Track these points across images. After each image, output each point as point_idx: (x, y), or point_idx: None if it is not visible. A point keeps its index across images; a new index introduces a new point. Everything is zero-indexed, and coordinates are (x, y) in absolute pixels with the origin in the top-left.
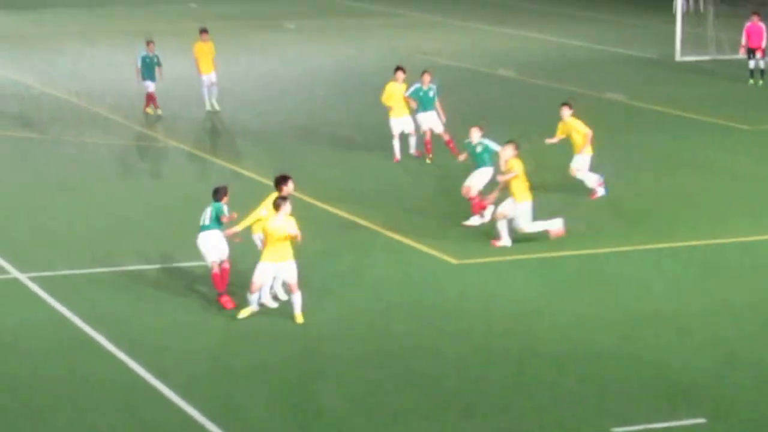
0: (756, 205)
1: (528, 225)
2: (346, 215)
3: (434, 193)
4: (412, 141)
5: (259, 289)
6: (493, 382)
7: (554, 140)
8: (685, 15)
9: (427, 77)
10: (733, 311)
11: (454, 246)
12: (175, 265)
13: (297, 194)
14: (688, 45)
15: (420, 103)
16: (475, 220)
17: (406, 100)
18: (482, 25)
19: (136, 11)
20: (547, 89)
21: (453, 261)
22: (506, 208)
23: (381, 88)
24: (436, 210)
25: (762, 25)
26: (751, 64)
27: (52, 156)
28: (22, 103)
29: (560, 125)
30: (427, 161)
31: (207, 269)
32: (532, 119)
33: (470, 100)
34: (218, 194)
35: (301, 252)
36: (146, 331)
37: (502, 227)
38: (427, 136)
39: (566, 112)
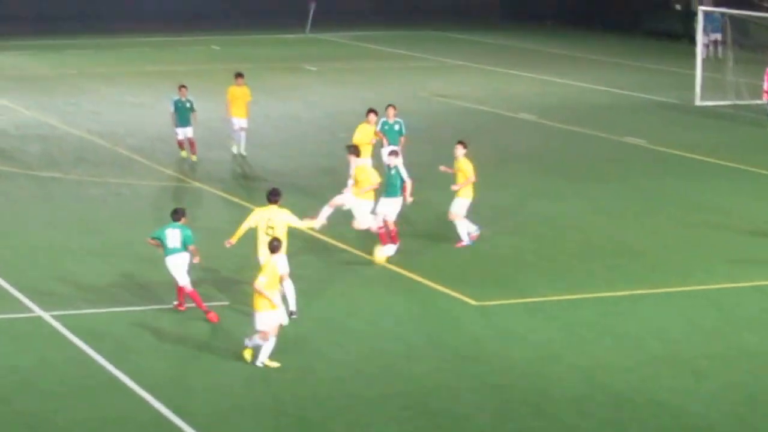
0: None
1: (362, 222)
2: (365, 256)
3: (454, 234)
4: None
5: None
6: (511, 424)
7: (447, 170)
8: (705, 60)
9: (391, 111)
10: (750, 355)
11: (473, 287)
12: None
13: (317, 235)
14: (707, 90)
15: (386, 136)
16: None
17: (378, 134)
18: (503, 69)
19: (158, 52)
20: (568, 133)
21: (472, 302)
22: (344, 199)
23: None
24: (455, 251)
25: None
26: None
27: (74, 196)
28: (45, 143)
29: (455, 163)
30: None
31: (223, 307)
32: (552, 162)
33: (493, 143)
34: (177, 215)
35: (320, 292)
36: (168, 370)
37: (326, 212)
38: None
39: (460, 151)
